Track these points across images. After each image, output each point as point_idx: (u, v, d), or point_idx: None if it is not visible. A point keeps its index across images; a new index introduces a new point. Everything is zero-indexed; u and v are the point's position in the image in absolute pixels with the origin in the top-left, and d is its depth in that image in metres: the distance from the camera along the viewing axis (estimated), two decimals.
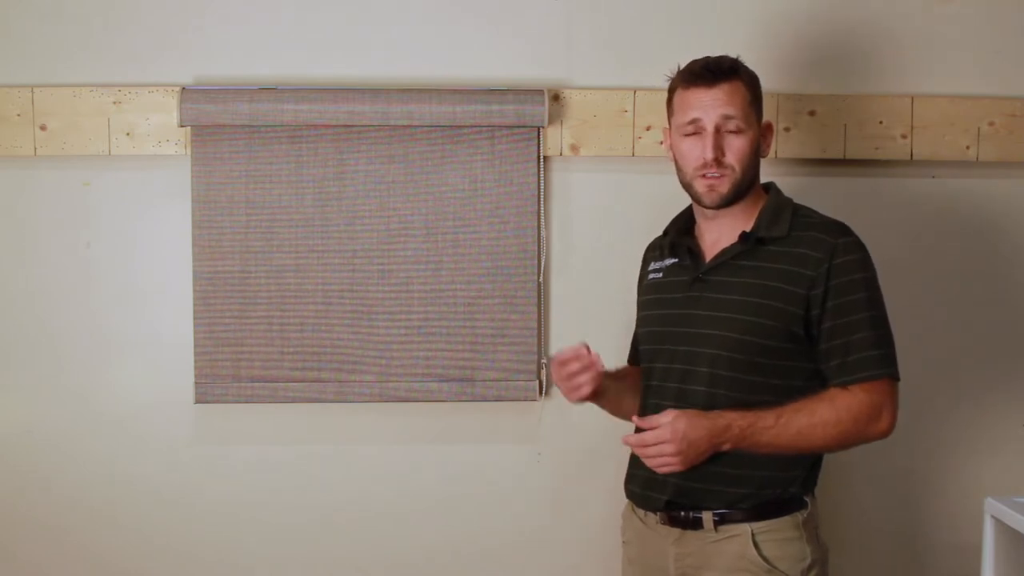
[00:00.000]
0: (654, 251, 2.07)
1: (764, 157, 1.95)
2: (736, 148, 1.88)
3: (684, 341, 1.91)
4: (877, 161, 2.42)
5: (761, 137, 1.93)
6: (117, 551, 2.41)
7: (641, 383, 2.02)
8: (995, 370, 2.49)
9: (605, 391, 1.96)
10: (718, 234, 1.93)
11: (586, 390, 1.91)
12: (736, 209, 1.91)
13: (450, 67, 2.39)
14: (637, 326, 2.10)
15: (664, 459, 1.83)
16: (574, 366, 1.90)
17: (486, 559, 2.45)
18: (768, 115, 1.99)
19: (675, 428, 1.81)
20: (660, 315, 1.98)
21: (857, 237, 1.89)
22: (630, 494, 2.00)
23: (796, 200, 1.95)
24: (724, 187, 1.89)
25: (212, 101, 2.29)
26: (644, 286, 2.07)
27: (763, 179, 1.97)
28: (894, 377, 1.86)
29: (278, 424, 2.41)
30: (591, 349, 1.91)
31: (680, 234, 2.00)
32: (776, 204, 1.93)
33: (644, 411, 1.93)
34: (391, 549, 2.44)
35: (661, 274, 2.01)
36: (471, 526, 2.44)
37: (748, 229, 1.90)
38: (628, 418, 1.96)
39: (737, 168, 1.88)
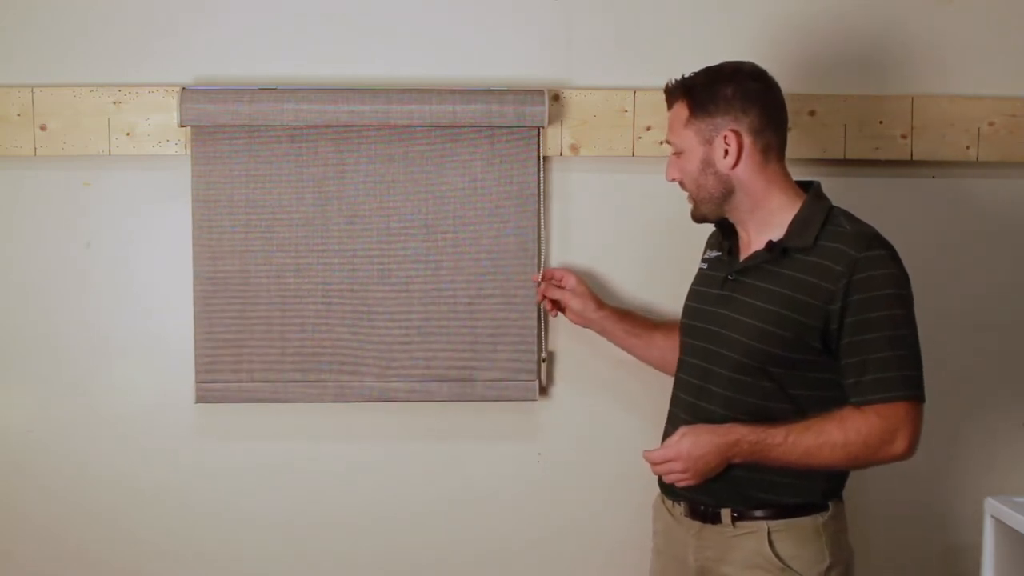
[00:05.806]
0: (712, 237, 2.07)
1: (732, 169, 1.87)
2: (680, 169, 1.93)
3: (707, 339, 1.93)
4: (877, 161, 2.42)
5: (724, 148, 1.86)
6: (116, 551, 2.41)
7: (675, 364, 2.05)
8: (995, 370, 2.49)
9: (611, 329, 2.24)
10: (747, 237, 1.93)
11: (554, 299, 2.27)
12: (761, 212, 1.90)
13: (450, 67, 2.39)
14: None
15: (675, 476, 1.87)
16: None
17: (485, 559, 2.45)
18: None
19: (680, 448, 1.85)
20: (694, 308, 2.00)
21: (887, 252, 1.82)
22: (661, 483, 2.01)
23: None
24: (692, 205, 1.95)
25: (212, 101, 2.29)
26: (696, 273, 2.07)
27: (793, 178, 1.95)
28: (914, 399, 1.80)
29: (278, 424, 2.41)
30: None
31: (725, 228, 2.00)
32: (809, 213, 1.87)
33: (671, 403, 2.00)
34: (391, 549, 2.44)
35: (706, 265, 2.03)
36: (470, 526, 2.44)
37: (775, 237, 1.87)
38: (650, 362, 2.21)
39: (689, 187, 1.93)
